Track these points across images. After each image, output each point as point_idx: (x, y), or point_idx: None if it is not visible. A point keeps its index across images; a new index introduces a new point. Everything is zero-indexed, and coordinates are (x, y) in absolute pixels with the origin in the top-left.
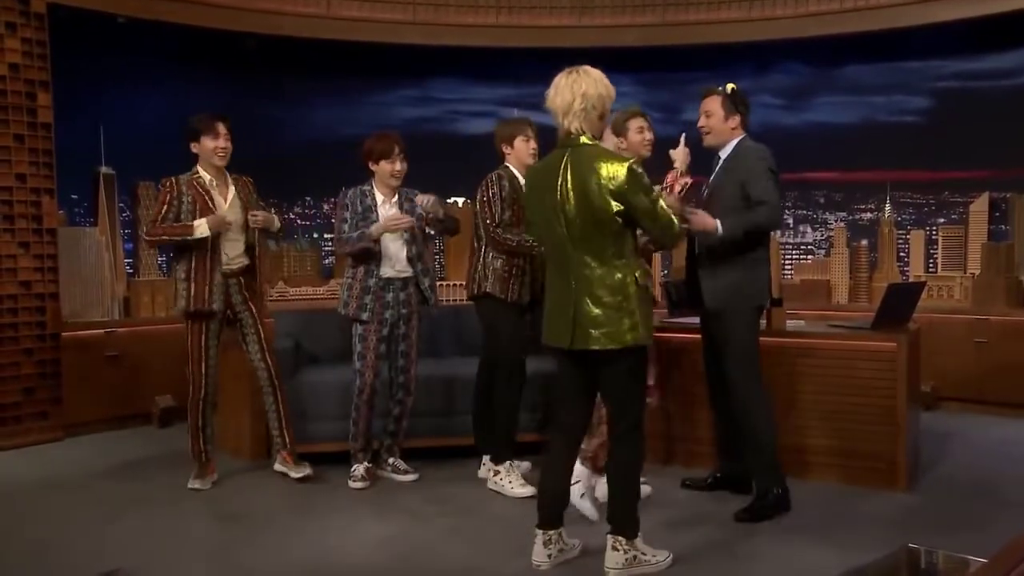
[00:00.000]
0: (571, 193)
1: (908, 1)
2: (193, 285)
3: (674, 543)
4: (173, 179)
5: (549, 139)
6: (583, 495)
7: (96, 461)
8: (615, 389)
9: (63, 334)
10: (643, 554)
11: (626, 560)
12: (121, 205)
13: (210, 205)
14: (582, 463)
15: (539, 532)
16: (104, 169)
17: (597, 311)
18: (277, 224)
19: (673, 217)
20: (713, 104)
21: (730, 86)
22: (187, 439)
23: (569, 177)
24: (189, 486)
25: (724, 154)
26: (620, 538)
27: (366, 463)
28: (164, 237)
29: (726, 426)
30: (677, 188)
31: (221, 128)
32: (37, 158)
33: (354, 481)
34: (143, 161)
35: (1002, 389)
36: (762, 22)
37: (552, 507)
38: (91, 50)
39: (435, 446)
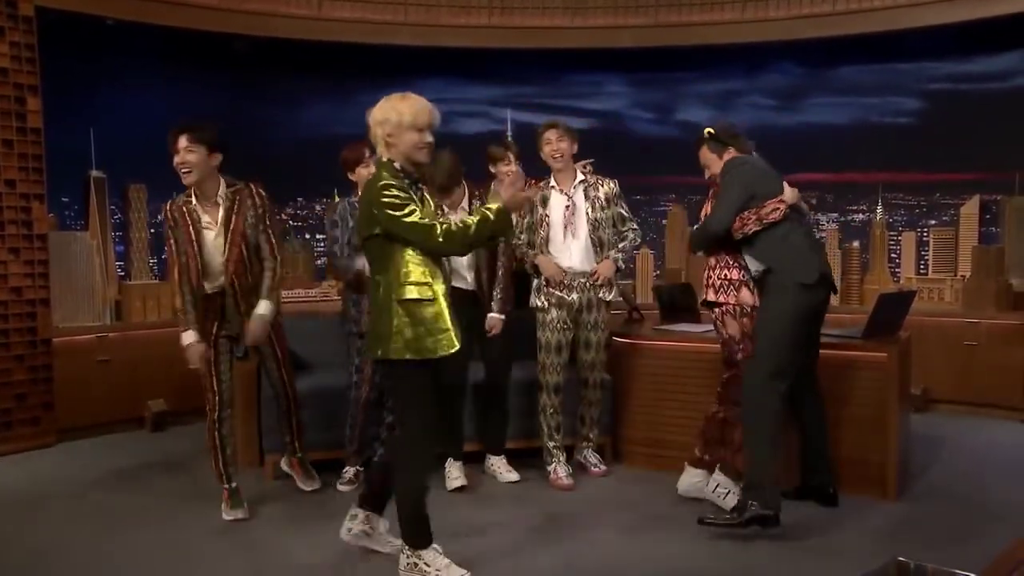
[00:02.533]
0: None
1: (901, 4)
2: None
3: (660, 551)
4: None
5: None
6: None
7: (89, 467)
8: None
9: (54, 340)
10: (426, 565)
11: (407, 564)
12: (112, 208)
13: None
14: (720, 472)
15: (352, 504)
16: (95, 173)
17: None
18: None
19: (428, 224)
20: (705, 155)
21: (707, 131)
22: (210, 463)
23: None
24: (226, 518)
25: None
26: (406, 545)
27: (357, 467)
28: None
29: (803, 438)
30: None
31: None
32: (27, 163)
33: (343, 484)
34: (134, 164)
35: (992, 392)
36: (755, 23)
37: (367, 490)
38: (80, 53)
39: None
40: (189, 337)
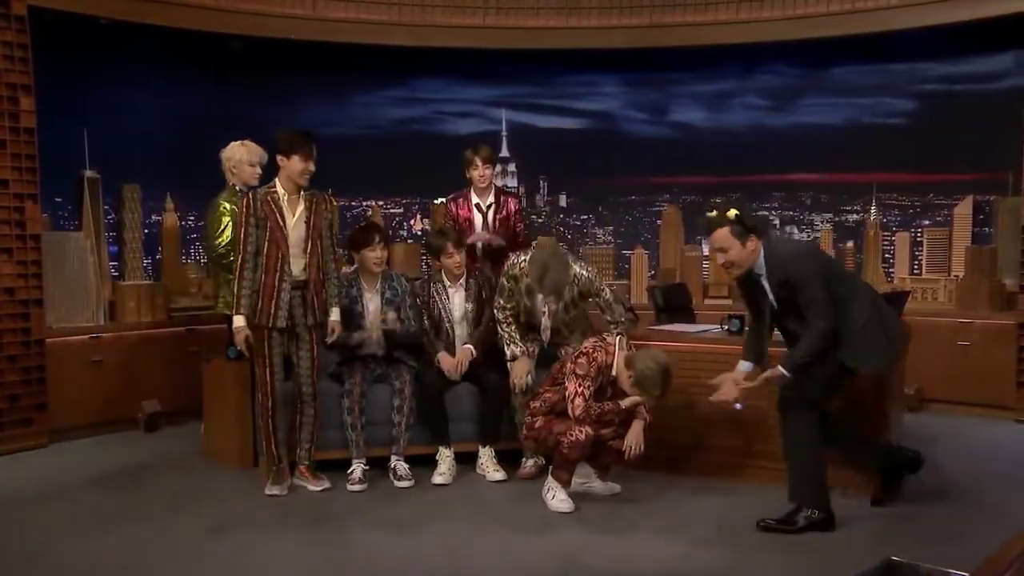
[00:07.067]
0: None
1: (894, 4)
2: (260, 300)
3: (658, 552)
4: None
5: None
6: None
7: (83, 468)
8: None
9: (47, 340)
10: None
11: None
12: (106, 208)
13: (280, 223)
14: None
15: None
16: (88, 173)
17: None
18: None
19: None
20: (725, 238)
21: (732, 212)
22: (262, 445)
23: None
24: (267, 492)
25: (762, 271)
26: None
27: (364, 465)
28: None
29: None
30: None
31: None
32: (20, 163)
33: (351, 484)
34: (128, 164)
35: (985, 391)
36: (749, 24)
37: None
38: (74, 53)
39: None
40: (241, 321)
